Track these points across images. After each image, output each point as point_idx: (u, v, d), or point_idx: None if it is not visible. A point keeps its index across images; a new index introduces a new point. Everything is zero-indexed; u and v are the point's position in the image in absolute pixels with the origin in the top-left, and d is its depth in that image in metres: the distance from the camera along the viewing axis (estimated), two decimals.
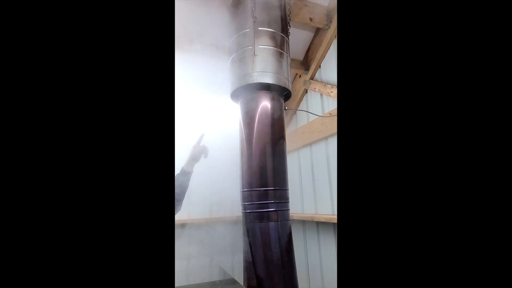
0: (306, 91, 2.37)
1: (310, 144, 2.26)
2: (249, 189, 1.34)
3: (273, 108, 1.41)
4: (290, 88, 1.49)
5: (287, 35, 1.55)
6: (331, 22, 1.96)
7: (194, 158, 1.33)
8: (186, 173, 1.31)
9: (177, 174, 1.31)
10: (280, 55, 1.45)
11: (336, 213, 1.91)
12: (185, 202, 2.34)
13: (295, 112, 2.57)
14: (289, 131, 2.61)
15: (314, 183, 2.22)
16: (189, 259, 2.34)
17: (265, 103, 1.41)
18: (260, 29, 1.42)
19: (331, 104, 2.03)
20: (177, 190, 1.25)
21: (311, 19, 1.93)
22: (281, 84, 1.42)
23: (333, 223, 1.92)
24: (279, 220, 1.31)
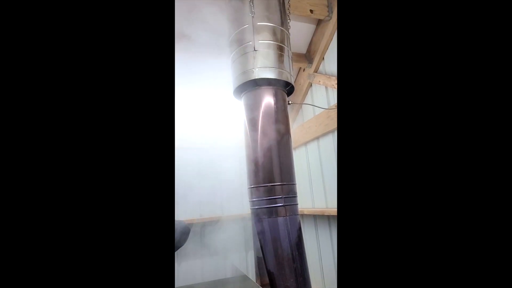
0: (311, 85, 2.34)
1: (318, 137, 2.24)
2: (256, 185, 1.34)
3: (276, 102, 1.41)
4: (292, 82, 1.48)
5: (287, 29, 1.53)
6: (332, 12, 1.93)
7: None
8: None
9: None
10: (281, 49, 1.43)
11: None
12: (195, 202, 2.34)
13: (301, 107, 2.55)
14: (296, 126, 2.59)
15: (323, 177, 2.19)
16: (203, 258, 2.37)
17: (267, 98, 1.40)
18: (259, 24, 1.41)
19: (336, 97, 2.00)
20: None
21: (311, 11, 1.91)
22: (283, 78, 1.41)
23: None
24: (287, 215, 1.30)
